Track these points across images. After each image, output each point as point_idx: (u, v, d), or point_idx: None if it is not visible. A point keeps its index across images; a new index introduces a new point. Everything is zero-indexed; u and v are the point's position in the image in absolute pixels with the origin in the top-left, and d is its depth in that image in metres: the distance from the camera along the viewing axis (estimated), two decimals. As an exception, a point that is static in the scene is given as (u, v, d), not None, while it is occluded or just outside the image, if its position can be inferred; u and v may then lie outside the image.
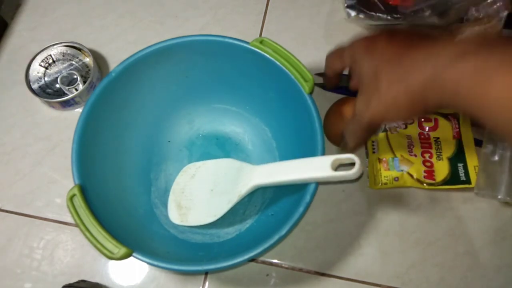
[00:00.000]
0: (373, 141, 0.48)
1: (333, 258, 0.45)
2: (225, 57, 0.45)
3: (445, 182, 0.46)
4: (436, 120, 0.48)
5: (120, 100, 0.44)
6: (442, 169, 0.46)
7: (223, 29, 0.57)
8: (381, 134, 0.48)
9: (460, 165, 0.46)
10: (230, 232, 0.44)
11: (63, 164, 0.49)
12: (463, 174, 0.46)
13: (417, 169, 0.46)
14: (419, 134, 0.48)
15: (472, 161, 0.46)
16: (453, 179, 0.46)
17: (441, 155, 0.47)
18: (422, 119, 0.48)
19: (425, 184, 0.45)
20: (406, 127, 0.48)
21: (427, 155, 0.47)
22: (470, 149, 0.47)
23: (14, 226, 0.47)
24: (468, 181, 0.46)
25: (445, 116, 0.49)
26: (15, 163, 0.50)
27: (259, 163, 0.42)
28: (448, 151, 0.47)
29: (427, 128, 0.48)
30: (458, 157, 0.47)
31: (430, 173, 0.46)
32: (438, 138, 0.48)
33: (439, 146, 0.47)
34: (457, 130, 0.48)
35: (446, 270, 0.44)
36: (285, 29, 0.56)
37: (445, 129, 0.48)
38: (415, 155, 0.47)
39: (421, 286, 0.43)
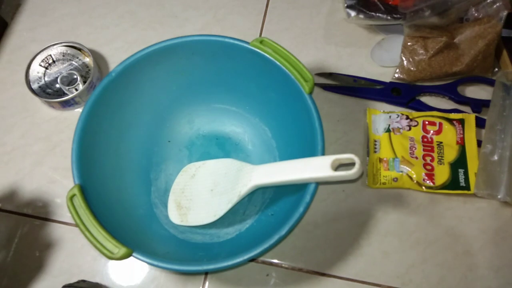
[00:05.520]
0: (375, 141, 0.48)
1: (333, 258, 0.45)
2: (225, 57, 0.45)
3: (444, 186, 0.46)
4: (440, 124, 0.48)
5: (120, 100, 0.44)
6: (442, 173, 0.46)
7: (223, 29, 0.57)
8: (384, 134, 0.48)
9: (461, 171, 0.46)
10: (230, 232, 0.44)
11: (63, 164, 0.49)
12: (463, 180, 0.46)
13: (417, 172, 0.46)
14: (422, 137, 0.48)
15: (473, 168, 0.46)
16: (452, 184, 0.46)
17: (443, 159, 0.47)
18: (427, 122, 0.48)
19: (424, 187, 0.45)
20: (410, 129, 0.48)
21: (428, 159, 0.47)
22: (472, 156, 0.47)
23: (14, 226, 0.47)
24: (467, 187, 0.46)
25: (450, 121, 0.49)
26: (15, 163, 0.50)
27: (259, 163, 0.42)
28: (450, 156, 0.47)
29: (431, 131, 0.48)
30: (460, 162, 0.47)
31: (430, 176, 0.46)
32: (441, 142, 0.47)
33: (442, 151, 0.47)
34: (461, 136, 0.48)
35: (446, 270, 0.44)
36: (285, 29, 0.56)
37: (449, 134, 0.48)
38: (416, 158, 0.46)
39: (421, 286, 0.43)
